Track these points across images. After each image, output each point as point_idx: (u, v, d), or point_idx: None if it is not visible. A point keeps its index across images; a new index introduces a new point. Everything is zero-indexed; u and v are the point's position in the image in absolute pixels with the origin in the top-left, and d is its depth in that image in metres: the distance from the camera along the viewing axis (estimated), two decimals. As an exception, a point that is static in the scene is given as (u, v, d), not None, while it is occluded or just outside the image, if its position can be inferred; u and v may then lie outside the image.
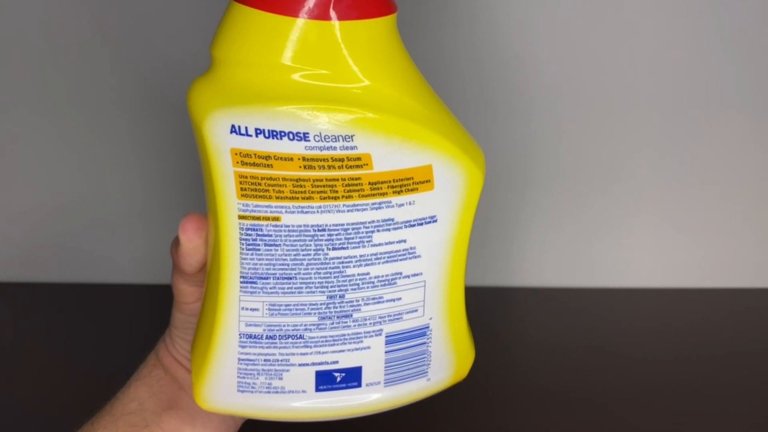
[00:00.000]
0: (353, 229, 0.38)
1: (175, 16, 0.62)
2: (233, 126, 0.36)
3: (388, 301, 0.40)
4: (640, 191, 0.68)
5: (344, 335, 0.40)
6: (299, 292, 0.38)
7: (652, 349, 0.64)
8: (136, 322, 0.65)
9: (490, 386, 0.58)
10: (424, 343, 0.41)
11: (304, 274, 0.38)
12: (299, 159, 0.36)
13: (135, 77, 0.64)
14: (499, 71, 0.64)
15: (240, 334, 0.39)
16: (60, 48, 0.63)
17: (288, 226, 0.37)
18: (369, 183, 0.37)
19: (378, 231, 0.38)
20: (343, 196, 0.37)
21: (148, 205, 0.69)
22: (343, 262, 0.38)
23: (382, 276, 0.39)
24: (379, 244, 0.39)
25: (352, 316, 0.39)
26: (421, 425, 0.54)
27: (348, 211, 0.38)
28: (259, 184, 0.37)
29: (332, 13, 0.36)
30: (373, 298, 0.39)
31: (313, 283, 0.38)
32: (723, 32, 0.63)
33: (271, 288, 0.38)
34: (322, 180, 0.37)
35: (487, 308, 0.68)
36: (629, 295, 0.71)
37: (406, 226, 0.39)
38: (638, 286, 0.72)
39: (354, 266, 0.39)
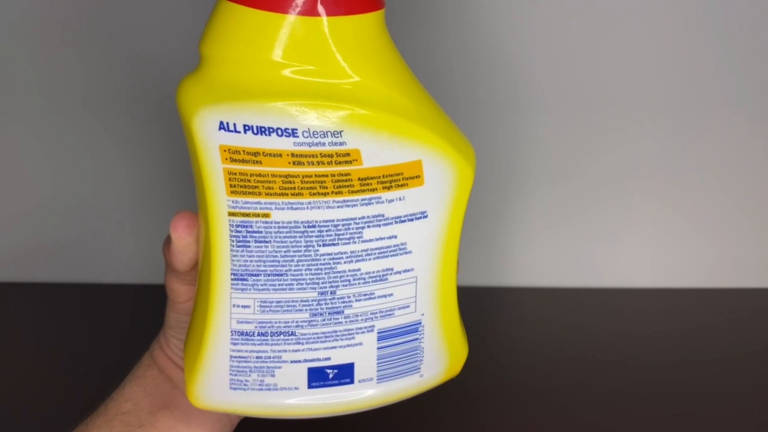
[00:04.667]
0: (343, 225, 0.38)
1: (164, 13, 0.62)
2: (222, 123, 0.36)
3: (379, 297, 0.40)
4: (638, 190, 0.68)
5: (336, 332, 0.40)
6: (290, 289, 0.38)
7: (650, 349, 0.63)
8: (131, 322, 0.65)
9: (483, 386, 0.58)
10: (417, 339, 0.41)
11: (294, 270, 0.38)
12: (288, 155, 0.36)
13: (126, 76, 0.64)
14: (490, 67, 0.64)
15: (232, 332, 0.39)
16: (50, 48, 0.63)
17: (278, 222, 0.37)
18: (358, 179, 0.37)
19: (368, 227, 0.38)
20: (332, 192, 0.37)
21: (143, 204, 0.69)
22: (333, 259, 0.38)
23: (373, 272, 0.39)
24: (370, 240, 0.39)
25: (343, 312, 0.39)
26: (413, 422, 0.54)
27: (338, 207, 0.38)
28: (248, 181, 0.37)
29: (320, 9, 0.36)
30: (365, 294, 0.39)
31: (304, 279, 0.38)
32: (723, 30, 0.63)
33: (262, 285, 0.38)
34: (311, 176, 0.37)
35: (481, 308, 0.68)
36: (625, 296, 0.71)
37: (396, 222, 0.39)
38: (636, 286, 0.71)
39: (345, 262, 0.39)
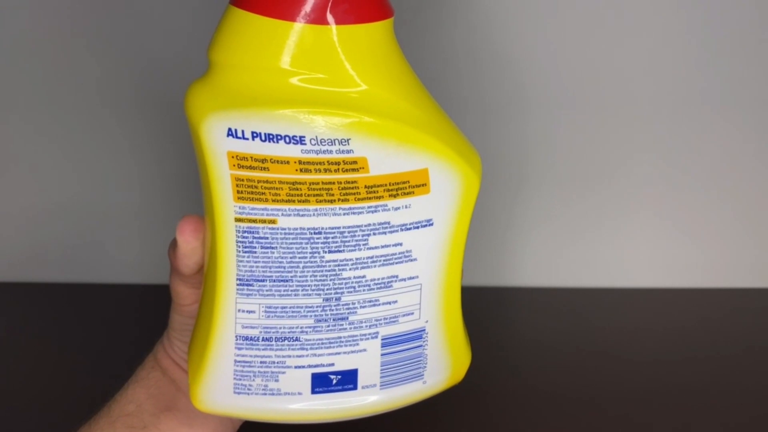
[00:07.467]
0: (349, 232, 0.38)
1: (174, 18, 0.62)
2: (230, 129, 0.36)
3: (384, 304, 0.40)
4: (638, 191, 0.69)
5: (340, 338, 0.40)
6: (295, 295, 0.39)
7: (651, 349, 0.64)
8: (135, 323, 0.65)
9: (486, 387, 0.58)
10: (420, 346, 0.41)
11: (300, 276, 0.38)
12: (295, 162, 0.36)
13: (134, 79, 0.64)
14: (496, 73, 0.64)
15: (236, 336, 0.39)
16: (60, 49, 0.64)
17: (284, 228, 0.37)
18: (365, 186, 0.37)
19: (374, 234, 0.39)
20: (339, 199, 0.37)
21: (147, 205, 0.69)
22: (339, 265, 0.39)
23: (378, 279, 0.39)
24: (375, 247, 0.39)
25: (348, 318, 0.40)
26: (416, 426, 0.54)
27: (344, 214, 0.38)
28: (256, 187, 0.37)
29: (329, 18, 0.36)
30: (369, 301, 0.40)
31: (309, 285, 0.39)
32: (722, 31, 0.63)
33: (267, 290, 0.38)
34: (318, 183, 0.37)
35: (484, 308, 0.68)
36: (627, 295, 0.71)
37: (402, 230, 0.39)
38: (636, 286, 0.72)
39: (350, 269, 0.39)
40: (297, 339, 0.39)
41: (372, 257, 0.39)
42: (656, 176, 0.68)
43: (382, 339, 0.40)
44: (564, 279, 0.71)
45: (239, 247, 0.38)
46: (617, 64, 0.64)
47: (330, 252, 0.38)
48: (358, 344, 0.40)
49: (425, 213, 0.39)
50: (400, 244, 0.39)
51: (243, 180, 0.37)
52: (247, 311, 0.39)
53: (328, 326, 0.39)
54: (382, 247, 0.39)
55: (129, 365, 0.47)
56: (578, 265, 0.71)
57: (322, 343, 0.40)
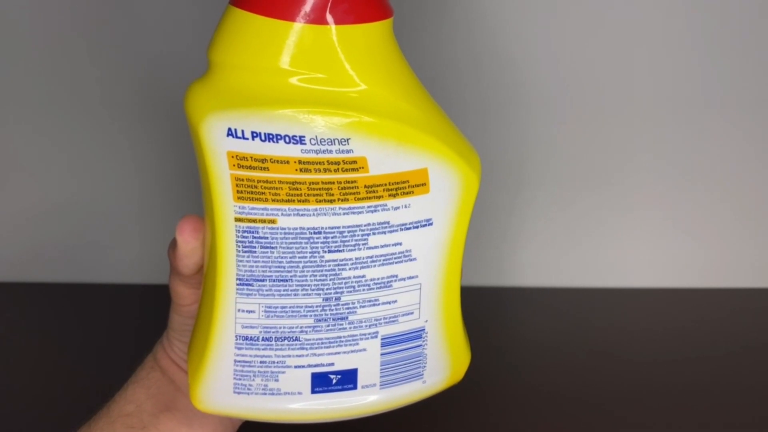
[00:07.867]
0: (349, 231, 0.38)
1: (174, 18, 0.62)
2: (230, 129, 0.36)
3: (383, 303, 0.40)
4: (638, 191, 0.69)
5: (340, 337, 0.40)
6: (295, 295, 0.39)
7: (651, 349, 0.64)
8: (135, 323, 0.65)
9: (485, 387, 0.58)
10: (420, 345, 0.41)
11: (300, 276, 0.38)
12: (295, 162, 0.37)
13: (134, 79, 0.64)
14: (496, 74, 0.64)
15: (236, 336, 0.39)
16: (59, 50, 0.64)
17: (284, 228, 0.38)
18: (365, 186, 0.38)
19: (374, 234, 0.39)
20: (338, 199, 0.37)
21: (146, 205, 0.69)
22: (338, 265, 0.39)
23: (378, 279, 0.39)
24: (375, 247, 0.39)
25: (347, 318, 0.40)
26: (416, 426, 0.54)
27: (344, 213, 0.38)
28: (255, 187, 0.37)
29: (329, 18, 0.36)
30: (369, 301, 0.40)
31: (309, 285, 0.39)
32: (721, 31, 0.63)
33: (267, 290, 0.39)
34: (318, 183, 0.37)
35: (483, 309, 0.68)
36: (626, 296, 0.71)
37: (401, 229, 0.39)
38: (635, 286, 0.72)
39: (350, 269, 0.39)
40: (297, 339, 0.39)
41: (372, 257, 0.39)
42: (656, 176, 0.68)
43: (382, 338, 0.40)
44: (564, 279, 0.71)
45: (239, 246, 0.38)
46: (618, 64, 0.64)
47: (330, 252, 0.38)
48: (357, 344, 0.40)
49: (425, 213, 0.39)
50: (400, 244, 0.39)
51: (243, 180, 0.37)
52: (246, 311, 0.39)
53: (328, 326, 0.39)
54: (382, 246, 0.39)
55: (129, 365, 0.47)
56: (578, 265, 0.71)
57: (322, 343, 0.40)
